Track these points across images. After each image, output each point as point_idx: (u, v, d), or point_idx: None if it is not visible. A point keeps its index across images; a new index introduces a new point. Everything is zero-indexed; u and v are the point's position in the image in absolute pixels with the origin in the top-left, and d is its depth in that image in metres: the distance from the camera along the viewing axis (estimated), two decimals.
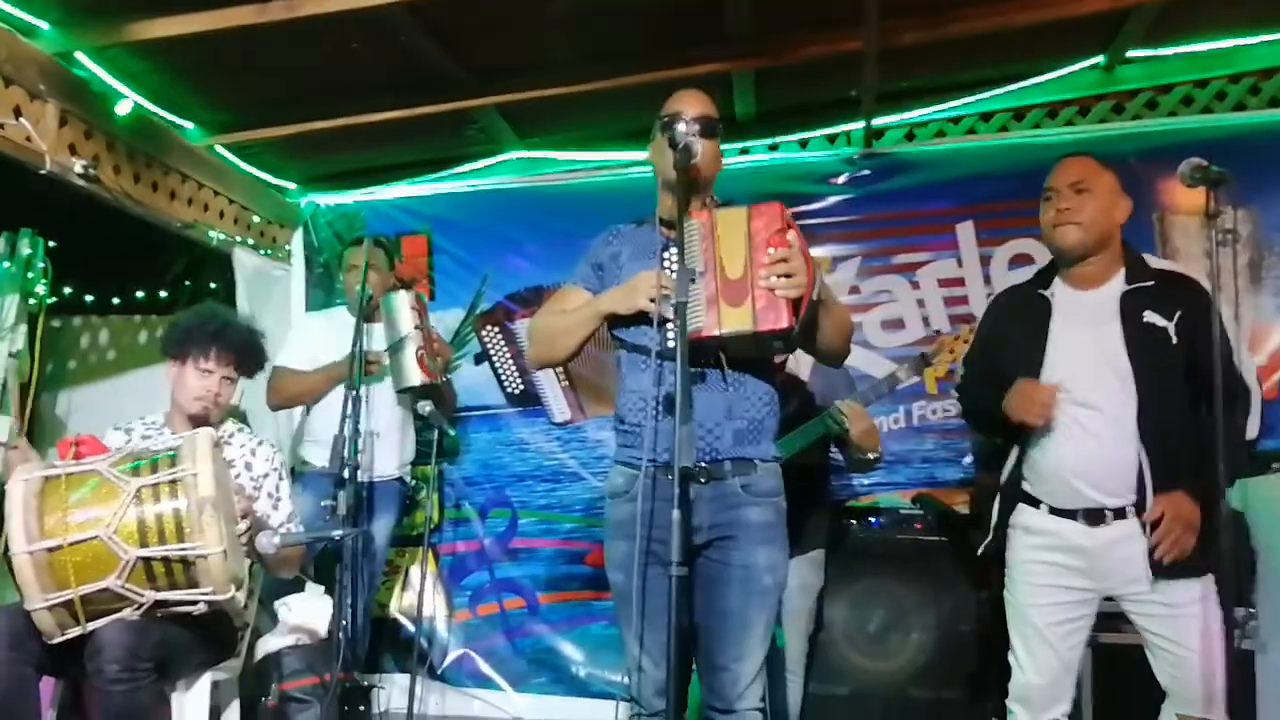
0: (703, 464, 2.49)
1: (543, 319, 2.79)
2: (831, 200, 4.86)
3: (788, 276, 2.37)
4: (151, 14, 3.75)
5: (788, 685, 3.53)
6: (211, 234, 4.95)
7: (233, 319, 3.58)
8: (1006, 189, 4.59)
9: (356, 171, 5.46)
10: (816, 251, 3.05)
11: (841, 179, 4.90)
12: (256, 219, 5.32)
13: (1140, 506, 2.72)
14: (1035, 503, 2.89)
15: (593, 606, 4.92)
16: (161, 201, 4.60)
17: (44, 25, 3.79)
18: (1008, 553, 2.97)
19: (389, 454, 4.34)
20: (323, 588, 3.78)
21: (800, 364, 3.57)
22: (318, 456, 4.18)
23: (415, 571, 5.02)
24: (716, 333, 2.40)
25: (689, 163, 2.45)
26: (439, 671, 5.00)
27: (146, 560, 2.60)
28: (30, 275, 4.78)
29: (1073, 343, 2.83)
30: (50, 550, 2.54)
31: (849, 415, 3.34)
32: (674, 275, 2.34)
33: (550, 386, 5.13)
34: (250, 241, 5.24)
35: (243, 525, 2.98)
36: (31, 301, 4.81)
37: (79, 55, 3.98)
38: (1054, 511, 2.83)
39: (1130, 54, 4.65)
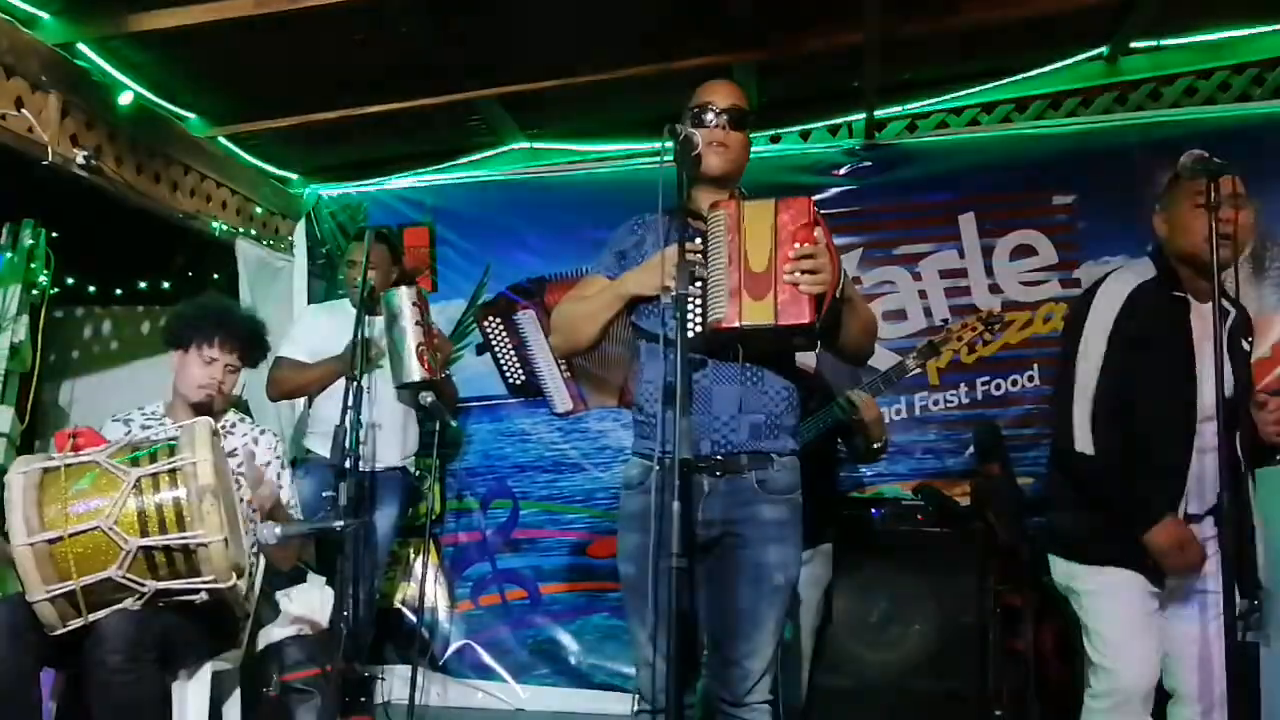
0: (718, 457, 2.49)
1: (565, 306, 2.73)
2: (833, 192, 4.86)
3: (813, 273, 2.35)
4: (153, 5, 3.75)
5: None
6: (214, 225, 4.95)
7: (236, 308, 3.58)
8: (1009, 180, 4.59)
9: (359, 163, 5.46)
10: None
11: (843, 170, 4.90)
12: (259, 210, 5.33)
13: (1216, 509, 2.62)
14: None
15: (594, 598, 4.94)
16: (163, 192, 4.60)
17: (45, 16, 3.79)
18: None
19: (392, 445, 4.34)
20: (324, 578, 3.80)
21: (807, 355, 3.57)
22: (322, 447, 4.18)
23: (417, 562, 5.04)
24: (737, 324, 2.38)
25: (690, 154, 2.44)
26: (441, 662, 5.02)
27: (147, 550, 2.61)
28: (32, 266, 4.80)
29: (1207, 362, 2.64)
30: (51, 542, 2.54)
31: (859, 403, 3.36)
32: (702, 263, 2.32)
33: (552, 377, 5.13)
34: (252, 232, 5.25)
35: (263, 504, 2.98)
36: (34, 292, 4.83)
37: (81, 46, 3.99)
38: None
39: (1133, 45, 4.64)
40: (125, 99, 4.23)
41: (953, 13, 4.17)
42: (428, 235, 5.37)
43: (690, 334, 2.39)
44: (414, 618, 4.94)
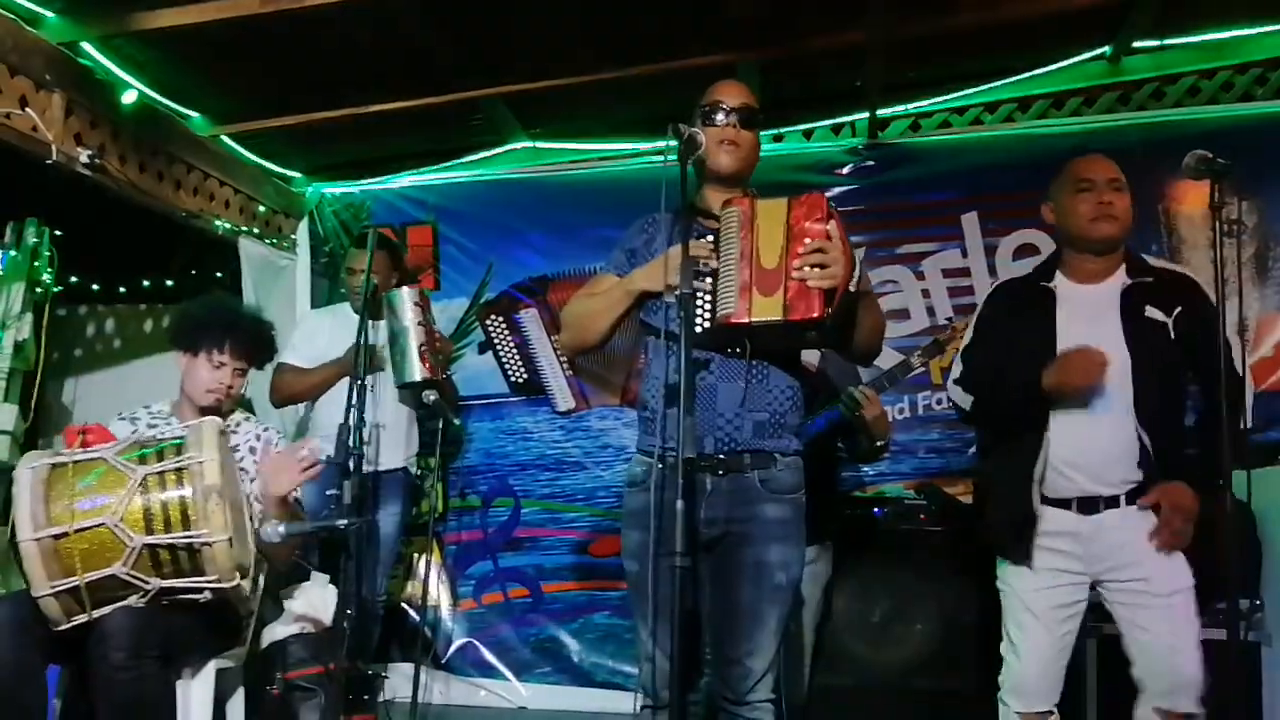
0: (720, 455, 2.49)
1: (575, 303, 2.73)
2: (836, 191, 4.83)
3: (822, 267, 2.34)
4: (156, 3, 3.76)
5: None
6: (217, 223, 4.96)
7: (244, 310, 3.57)
8: (1012, 179, 4.58)
9: (362, 161, 5.46)
10: None
11: (846, 170, 4.90)
12: (262, 208, 5.33)
13: (1136, 494, 2.75)
14: None
15: (596, 596, 4.94)
16: (167, 191, 4.60)
17: (49, 14, 3.80)
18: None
19: (395, 445, 4.35)
20: (327, 577, 3.80)
21: (810, 353, 3.57)
22: (325, 448, 4.18)
23: (420, 561, 5.05)
24: (746, 320, 2.37)
25: (693, 153, 2.45)
26: (443, 660, 5.02)
27: (152, 548, 2.61)
28: (36, 264, 4.82)
29: (1077, 336, 2.82)
30: (56, 537, 2.55)
31: (863, 399, 3.38)
32: (713, 259, 2.32)
33: (554, 375, 5.14)
34: (256, 231, 5.25)
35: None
36: (38, 290, 4.84)
37: (84, 45, 3.99)
38: (1046, 501, 2.83)
39: (1136, 44, 4.63)
40: (129, 98, 4.24)
41: (955, 12, 4.16)
42: (431, 234, 5.38)
43: (698, 329, 2.40)
44: (417, 616, 4.95)
